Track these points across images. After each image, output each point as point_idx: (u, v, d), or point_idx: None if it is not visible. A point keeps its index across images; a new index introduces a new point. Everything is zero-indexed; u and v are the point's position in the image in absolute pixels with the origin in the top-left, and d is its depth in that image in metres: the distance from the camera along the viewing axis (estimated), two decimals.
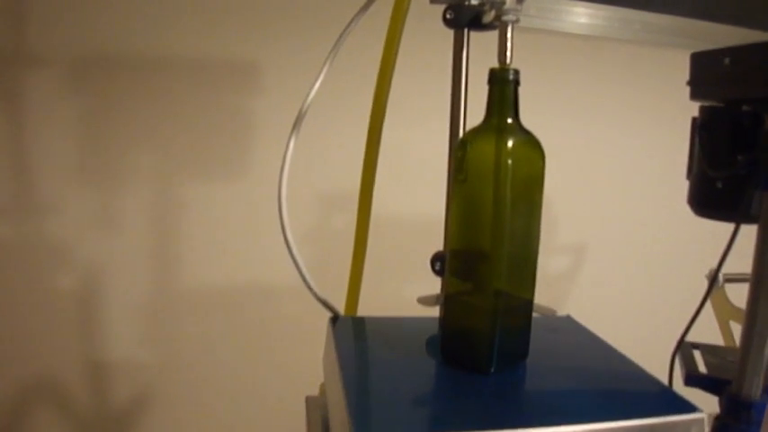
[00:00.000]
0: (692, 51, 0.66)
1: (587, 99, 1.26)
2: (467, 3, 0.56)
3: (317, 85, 0.53)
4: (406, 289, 1.15)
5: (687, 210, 0.60)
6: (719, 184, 0.58)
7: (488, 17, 0.51)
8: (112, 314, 1.04)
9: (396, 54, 0.59)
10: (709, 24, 1.29)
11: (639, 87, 1.29)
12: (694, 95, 0.64)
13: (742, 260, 0.72)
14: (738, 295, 0.76)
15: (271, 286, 1.10)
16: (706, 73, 0.63)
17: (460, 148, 0.47)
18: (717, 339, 0.87)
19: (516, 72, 0.48)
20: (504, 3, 0.48)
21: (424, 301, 0.56)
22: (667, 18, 1.27)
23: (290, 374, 1.08)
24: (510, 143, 0.46)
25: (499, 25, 0.48)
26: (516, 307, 0.52)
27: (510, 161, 0.45)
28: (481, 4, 0.53)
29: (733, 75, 0.57)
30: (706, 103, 0.62)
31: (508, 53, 0.47)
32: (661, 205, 1.34)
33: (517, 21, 0.48)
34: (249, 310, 1.11)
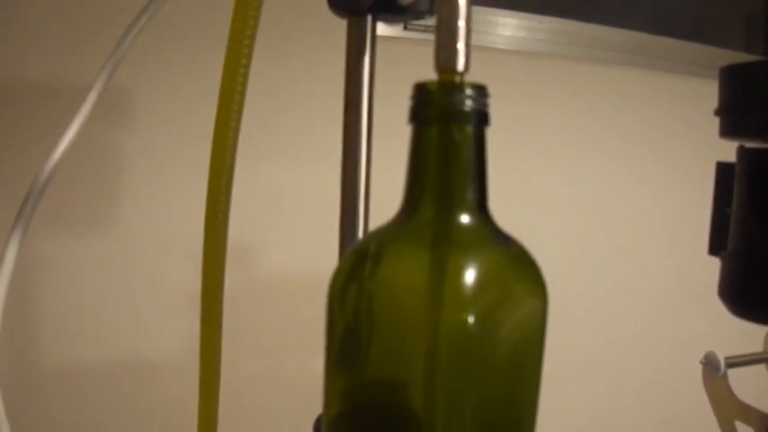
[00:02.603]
0: (722, 65, 0.50)
1: (526, 125, 1.11)
2: None
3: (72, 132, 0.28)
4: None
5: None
6: None
7: None
8: None
9: (248, 57, 0.37)
10: (666, 40, 1.15)
11: (590, 111, 1.14)
12: (731, 131, 0.44)
13: (740, 336, 0.64)
14: (742, 384, 0.69)
15: (151, 361, 0.99)
16: (757, 97, 0.43)
17: (351, 283, 0.20)
18: None
19: (481, 93, 0.22)
20: None
21: None
22: (619, 32, 1.12)
23: None
24: (468, 277, 0.20)
25: None
26: None
27: (470, 319, 0.20)
28: None
29: None
30: (750, 143, 0.43)
31: (459, 46, 0.21)
32: (629, 259, 1.18)
33: None
34: (128, 390, 0.98)
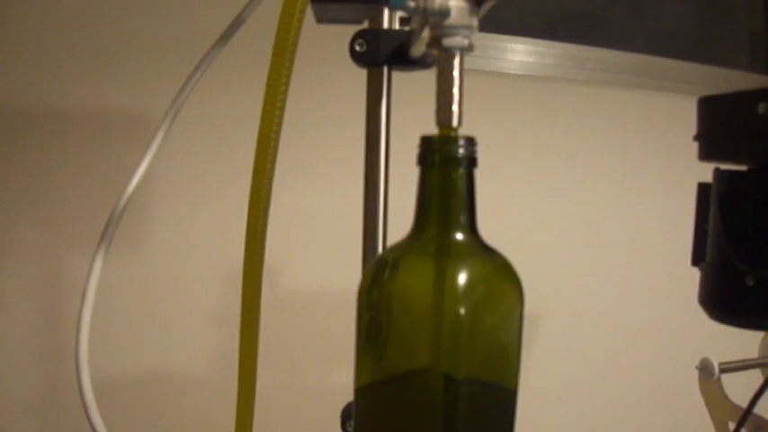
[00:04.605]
0: (700, 96, 0.54)
1: (535, 146, 1.13)
2: (386, 27, 0.36)
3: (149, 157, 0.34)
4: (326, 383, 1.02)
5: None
6: (751, 281, 0.45)
7: (420, 46, 0.31)
8: None
9: (284, 95, 0.39)
10: (671, 62, 1.17)
11: (597, 132, 1.16)
12: (708, 154, 0.51)
13: (737, 342, 0.65)
14: (736, 387, 0.71)
15: (175, 376, 1.00)
16: (727, 125, 0.51)
17: (374, 284, 0.27)
18: None
19: (470, 143, 0.28)
20: (446, 14, 0.27)
21: None
22: (625, 55, 1.13)
23: None
24: (462, 280, 0.28)
25: (438, 57, 0.28)
26: None
27: (462, 311, 0.27)
28: (409, 28, 0.33)
29: None
30: (725, 166, 0.49)
31: (454, 107, 0.27)
32: (626, 275, 1.19)
33: (470, 48, 0.28)
34: (153, 404, 1.00)
